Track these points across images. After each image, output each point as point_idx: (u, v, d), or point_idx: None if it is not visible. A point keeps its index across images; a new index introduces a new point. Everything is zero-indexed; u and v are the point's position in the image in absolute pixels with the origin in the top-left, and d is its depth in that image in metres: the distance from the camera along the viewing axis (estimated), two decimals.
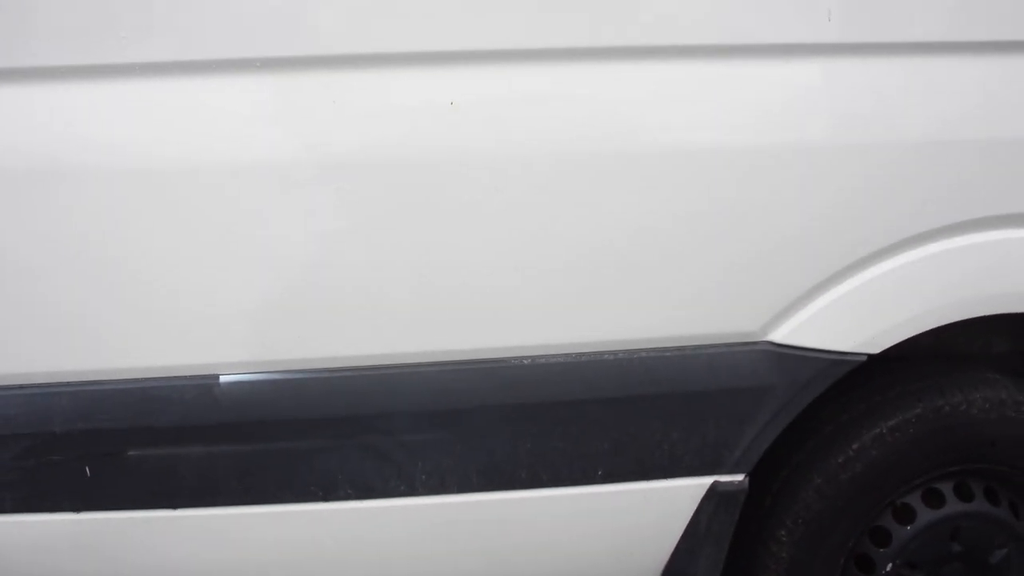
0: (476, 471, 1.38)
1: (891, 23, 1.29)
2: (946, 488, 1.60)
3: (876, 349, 1.42)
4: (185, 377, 1.29)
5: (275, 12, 1.18)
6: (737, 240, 1.33)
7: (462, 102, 1.22)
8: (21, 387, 1.28)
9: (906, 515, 1.59)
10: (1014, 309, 1.44)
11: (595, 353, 1.36)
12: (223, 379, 1.30)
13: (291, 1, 1.18)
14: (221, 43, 1.18)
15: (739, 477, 1.45)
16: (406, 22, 1.20)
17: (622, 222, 1.30)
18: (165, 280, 1.25)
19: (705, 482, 1.44)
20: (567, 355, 1.35)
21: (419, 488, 1.37)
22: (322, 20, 1.19)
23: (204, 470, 1.33)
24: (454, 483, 1.38)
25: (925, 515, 1.59)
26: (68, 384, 1.29)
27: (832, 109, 1.32)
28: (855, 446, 1.51)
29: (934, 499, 1.60)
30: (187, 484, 1.33)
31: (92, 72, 1.18)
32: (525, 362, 1.35)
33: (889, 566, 1.59)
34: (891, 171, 1.33)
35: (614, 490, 1.42)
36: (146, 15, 1.16)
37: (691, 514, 1.46)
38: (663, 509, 1.46)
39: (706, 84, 1.28)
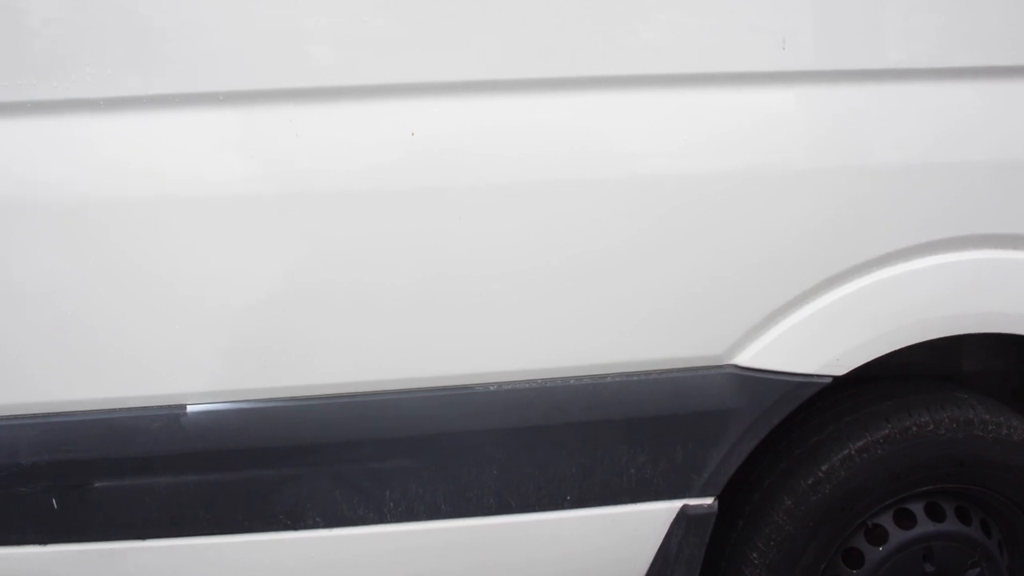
0: (444, 498, 1.38)
1: (846, 51, 1.31)
2: (917, 508, 1.60)
3: (841, 371, 1.42)
4: (152, 407, 1.30)
5: (238, 46, 1.20)
6: (701, 265, 1.34)
7: (422, 133, 1.24)
8: None
9: (878, 536, 1.60)
10: (977, 330, 1.46)
11: (561, 378, 1.36)
12: (190, 409, 1.30)
13: (254, 35, 1.20)
14: (185, 77, 1.20)
15: (708, 500, 1.46)
16: (370, 55, 1.22)
17: (587, 248, 1.31)
18: (131, 311, 1.25)
19: (674, 506, 1.45)
20: (533, 381, 1.36)
21: (387, 516, 1.37)
22: (286, 55, 1.21)
23: (172, 500, 1.33)
24: (422, 510, 1.38)
25: (897, 535, 1.59)
26: (34, 416, 1.29)
27: (793, 134, 1.34)
28: (824, 467, 1.52)
29: (906, 519, 1.60)
30: (155, 515, 1.33)
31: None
32: (491, 388, 1.35)
33: None
34: (855, 194, 1.35)
35: (583, 515, 1.42)
36: (108, 51, 1.18)
37: (661, 538, 1.46)
38: (633, 533, 1.46)
39: (668, 112, 1.30)
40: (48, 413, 1.29)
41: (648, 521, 1.45)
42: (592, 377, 1.37)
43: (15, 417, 1.29)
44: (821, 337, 1.40)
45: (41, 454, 1.29)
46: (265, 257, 1.26)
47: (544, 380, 1.36)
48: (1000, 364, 1.75)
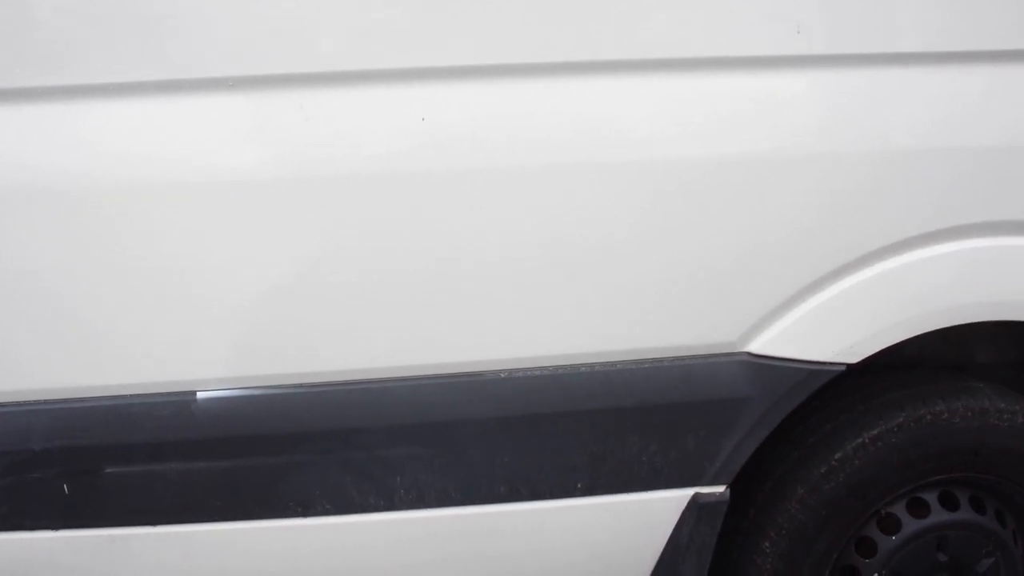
0: (455, 485, 1.38)
1: (859, 35, 1.29)
2: (931, 497, 1.59)
3: (855, 359, 1.41)
4: (162, 393, 1.30)
5: (248, 31, 1.19)
6: (714, 250, 1.33)
7: (433, 118, 1.23)
8: None
9: (891, 525, 1.59)
10: (991, 318, 1.44)
11: (572, 366, 1.35)
12: (200, 395, 1.30)
13: (264, 20, 1.19)
14: (194, 63, 1.19)
15: (720, 488, 1.45)
16: (380, 39, 1.21)
17: (598, 234, 1.30)
18: (141, 296, 1.25)
19: (686, 494, 1.44)
20: (544, 368, 1.35)
21: (398, 503, 1.37)
22: (296, 39, 1.20)
23: (182, 487, 1.33)
24: (433, 498, 1.38)
25: (910, 525, 1.58)
26: (46, 402, 1.29)
27: (808, 119, 1.32)
28: (838, 456, 1.50)
29: (919, 508, 1.59)
30: (165, 501, 1.34)
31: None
32: (502, 375, 1.35)
33: None
34: (868, 180, 1.33)
35: (594, 503, 1.41)
36: (118, 38, 1.17)
37: (672, 526, 1.45)
38: (644, 522, 1.45)
39: (680, 96, 1.28)
40: (60, 399, 1.29)
41: (659, 509, 1.44)
42: (603, 364, 1.36)
43: (27, 403, 1.29)
44: (834, 324, 1.39)
45: (53, 440, 1.29)
46: (276, 243, 1.25)
47: (555, 367, 1.35)
48: (1014, 355, 1.73)
